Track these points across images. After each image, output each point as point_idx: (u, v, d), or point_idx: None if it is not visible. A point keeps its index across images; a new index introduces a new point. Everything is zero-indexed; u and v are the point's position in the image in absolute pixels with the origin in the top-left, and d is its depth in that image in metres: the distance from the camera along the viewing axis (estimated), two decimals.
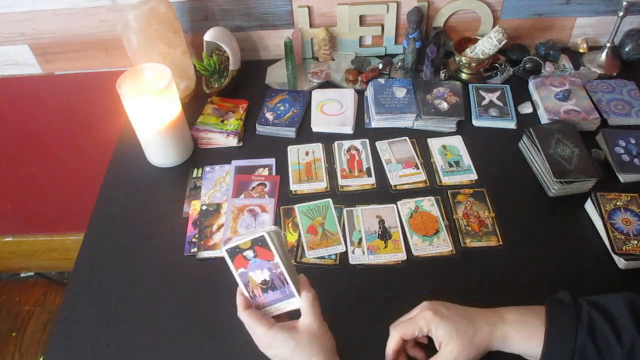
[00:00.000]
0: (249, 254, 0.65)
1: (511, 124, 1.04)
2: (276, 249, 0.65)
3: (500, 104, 1.08)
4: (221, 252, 0.67)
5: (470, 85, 1.12)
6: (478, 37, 1.12)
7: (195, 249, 0.87)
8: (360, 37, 1.21)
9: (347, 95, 1.11)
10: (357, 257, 0.84)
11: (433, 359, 0.66)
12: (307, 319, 0.65)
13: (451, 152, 1.00)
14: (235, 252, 0.65)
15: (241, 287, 0.67)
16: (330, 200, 0.93)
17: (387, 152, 1.01)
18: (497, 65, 1.16)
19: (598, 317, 0.64)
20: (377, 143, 1.03)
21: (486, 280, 0.81)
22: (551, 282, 0.80)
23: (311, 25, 1.19)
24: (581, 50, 1.21)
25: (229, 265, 0.66)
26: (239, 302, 0.67)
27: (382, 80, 1.12)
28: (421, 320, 0.66)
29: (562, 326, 0.64)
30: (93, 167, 1.43)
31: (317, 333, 0.64)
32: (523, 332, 0.65)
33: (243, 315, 0.66)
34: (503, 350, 0.66)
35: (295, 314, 0.67)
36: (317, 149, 1.02)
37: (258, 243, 0.65)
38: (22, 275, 1.89)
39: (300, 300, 0.66)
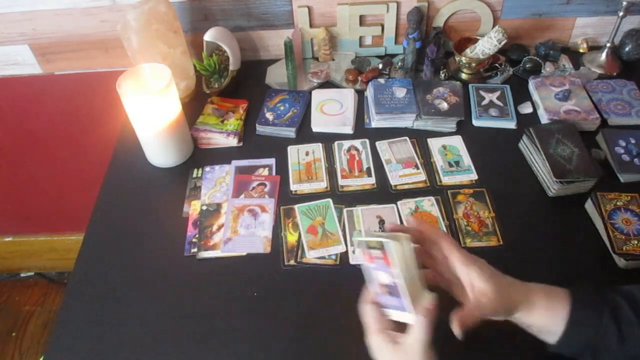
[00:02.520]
0: (376, 253, 0.62)
1: (511, 124, 1.04)
2: (398, 260, 0.59)
3: (500, 104, 1.08)
4: (353, 239, 0.64)
5: (470, 85, 1.12)
6: (478, 37, 1.12)
7: (195, 249, 0.87)
8: (360, 37, 1.21)
9: (347, 95, 1.11)
10: (358, 257, 0.84)
11: (472, 299, 0.61)
12: (412, 341, 0.59)
13: (451, 152, 1.00)
14: (364, 245, 0.63)
15: (367, 280, 0.64)
16: (330, 200, 0.93)
17: (387, 152, 1.01)
18: (497, 65, 1.16)
19: (622, 301, 0.63)
20: (377, 143, 1.03)
21: None
22: (551, 282, 0.79)
23: (311, 25, 1.19)
24: (581, 50, 1.21)
25: (361, 254, 0.64)
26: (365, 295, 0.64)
27: (382, 80, 1.12)
28: (470, 258, 0.62)
29: (587, 304, 0.62)
30: (93, 167, 1.43)
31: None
32: (548, 304, 0.63)
33: (365, 307, 0.63)
34: (522, 320, 0.64)
35: None
36: (317, 149, 1.02)
37: (383, 247, 0.61)
38: (22, 275, 1.89)
39: (415, 320, 0.60)
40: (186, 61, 1.11)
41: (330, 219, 0.90)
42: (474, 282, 0.62)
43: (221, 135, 1.04)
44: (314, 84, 1.16)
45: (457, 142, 1.02)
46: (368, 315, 0.62)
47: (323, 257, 0.85)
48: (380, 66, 1.16)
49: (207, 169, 1.00)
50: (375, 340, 0.61)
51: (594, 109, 1.03)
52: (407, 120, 1.05)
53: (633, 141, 0.96)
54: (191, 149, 1.03)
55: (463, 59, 1.12)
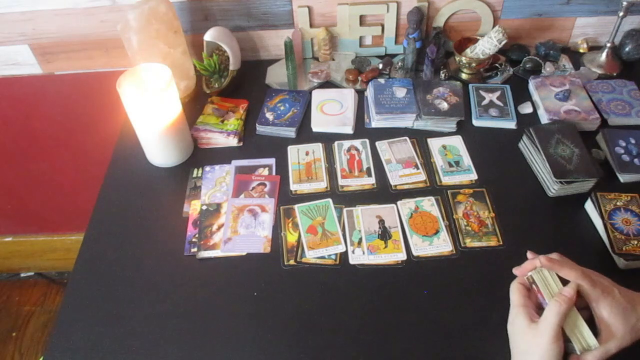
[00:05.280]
0: (535, 288, 0.69)
1: (511, 124, 1.04)
2: (541, 286, 0.68)
3: (501, 104, 1.08)
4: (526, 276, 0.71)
5: (470, 85, 1.12)
6: (478, 37, 1.12)
7: (195, 249, 0.87)
8: (360, 37, 1.21)
9: (347, 95, 1.11)
10: (357, 257, 0.84)
11: (602, 340, 0.65)
12: (544, 322, 0.64)
13: (451, 152, 1.00)
14: (530, 282, 0.70)
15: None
16: (330, 200, 0.93)
17: (387, 152, 1.01)
18: (497, 65, 1.16)
19: None
20: (377, 143, 1.03)
21: (486, 280, 0.81)
22: None
23: (311, 25, 1.19)
24: (581, 50, 1.21)
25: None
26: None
27: (382, 80, 1.12)
28: (598, 290, 0.65)
29: None
30: (93, 167, 1.43)
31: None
32: None
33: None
34: None
35: None
36: (317, 149, 1.02)
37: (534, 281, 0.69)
38: (22, 275, 1.89)
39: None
40: (186, 61, 1.11)
41: (330, 219, 0.90)
42: (603, 319, 0.65)
43: (221, 135, 1.04)
44: (314, 84, 1.16)
45: (457, 142, 1.02)
46: (515, 291, 0.69)
47: (323, 257, 0.85)
48: (380, 66, 1.16)
49: (207, 168, 1.00)
50: (516, 312, 0.67)
51: (594, 109, 1.03)
52: (407, 120, 1.05)
53: (633, 141, 0.96)
54: (191, 148, 1.03)
55: (463, 59, 1.12)
